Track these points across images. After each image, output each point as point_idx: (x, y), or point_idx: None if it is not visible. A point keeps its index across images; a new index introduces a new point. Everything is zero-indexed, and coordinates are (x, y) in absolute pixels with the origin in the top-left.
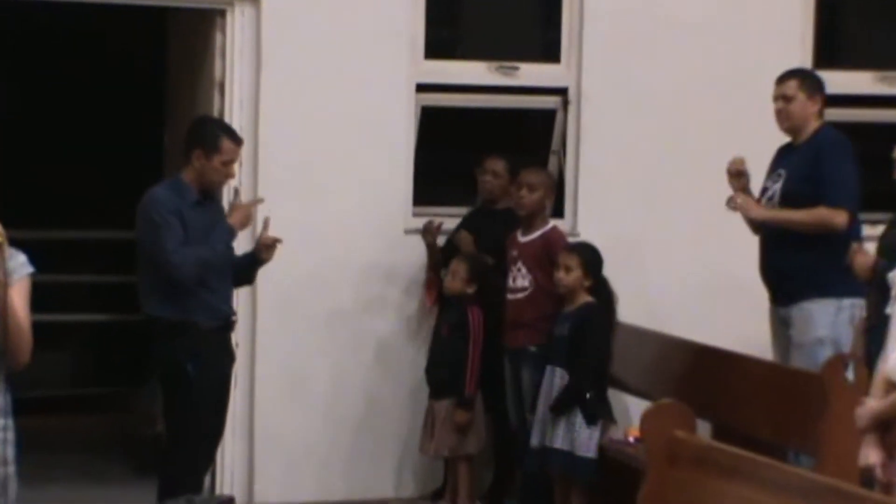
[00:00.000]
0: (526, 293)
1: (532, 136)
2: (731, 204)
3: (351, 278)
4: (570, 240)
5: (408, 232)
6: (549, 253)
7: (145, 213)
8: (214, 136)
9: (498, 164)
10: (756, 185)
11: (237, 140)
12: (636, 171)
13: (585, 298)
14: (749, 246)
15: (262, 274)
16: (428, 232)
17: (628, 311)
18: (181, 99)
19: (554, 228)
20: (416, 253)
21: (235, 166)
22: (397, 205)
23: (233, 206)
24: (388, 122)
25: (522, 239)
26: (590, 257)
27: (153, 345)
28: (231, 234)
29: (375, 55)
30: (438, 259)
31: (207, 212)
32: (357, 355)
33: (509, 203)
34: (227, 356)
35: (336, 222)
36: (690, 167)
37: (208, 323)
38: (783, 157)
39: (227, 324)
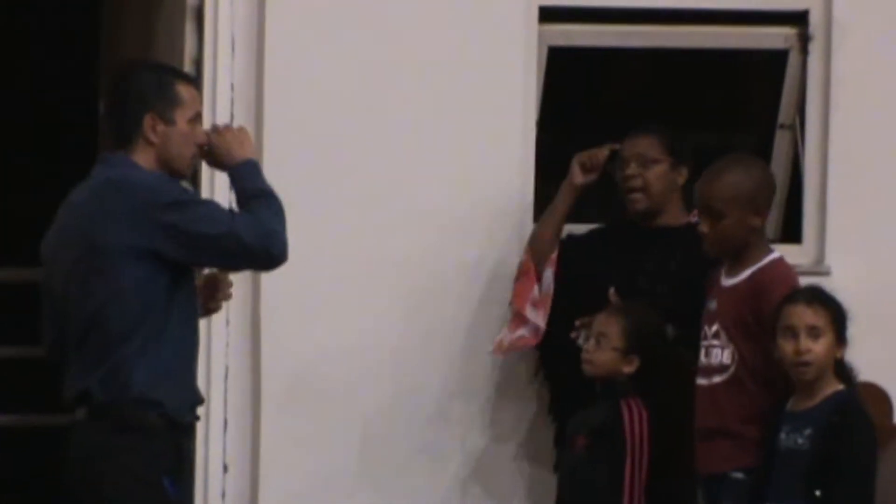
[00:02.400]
0: (725, 376)
1: (743, 100)
2: None
3: (422, 349)
4: (805, 280)
5: None
6: (758, 304)
7: (138, 202)
8: (165, 85)
9: (643, 143)
10: None
11: (194, 81)
12: None
13: (835, 386)
14: None
15: (270, 347)
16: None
17: None
18: (127, 41)
19: (774, 263)
20: None
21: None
22: (508, 218)
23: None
24: (491, 74)
25: (726, 282)
26: (840, 308)
27: (86, 456)
28: (254, 166)
29: None
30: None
31: None
32: (435, 484)
33: (684, 215)
34: (192, 473)
35: (398, 251)
36: None
37: (186, 415)
38: None
39: (195, 419)
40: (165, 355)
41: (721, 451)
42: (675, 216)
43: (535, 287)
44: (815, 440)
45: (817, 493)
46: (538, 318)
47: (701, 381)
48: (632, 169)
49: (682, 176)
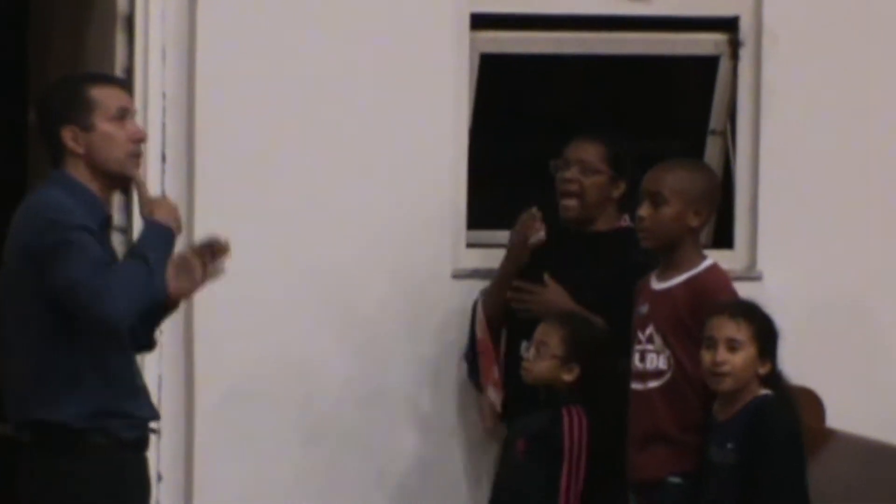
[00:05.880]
0: (662, 381)
1: (674, 106)
2: None
3: (357, 357)
4: (737, 285)
5: (458, 276)
6: (700, 310)
7: (36, 229)
8: (76, 93)
9: (589, 151)
10: None
11: (116, 81)
12: (865, 167)
13: (755, 392)
14: None
15: (204, 355)
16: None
17: (849, 417)
18: (56, 50)
19: (711, 269)
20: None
21: (139, 122)
22: (440, 230)
23: (147, 199)
24: (423, 81)
25: (657, 286)
26: (766, 324)
27: (25, 478)
28: (165, 234)
29: None
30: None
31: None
32: (371, 493)
33: (615, 221)
34: (146, 491)
35: (330, 259)
36: None
37: (128, 433)
38: None
39: (146, 436)
40: (102, 374)
41: (658, 456)
42: (606, 222)
43: (495, 368)
44: (739, 452)
45: None
46: (497, 397)
47: (636, 386)
48: (572, 173)
49: (618, 189)
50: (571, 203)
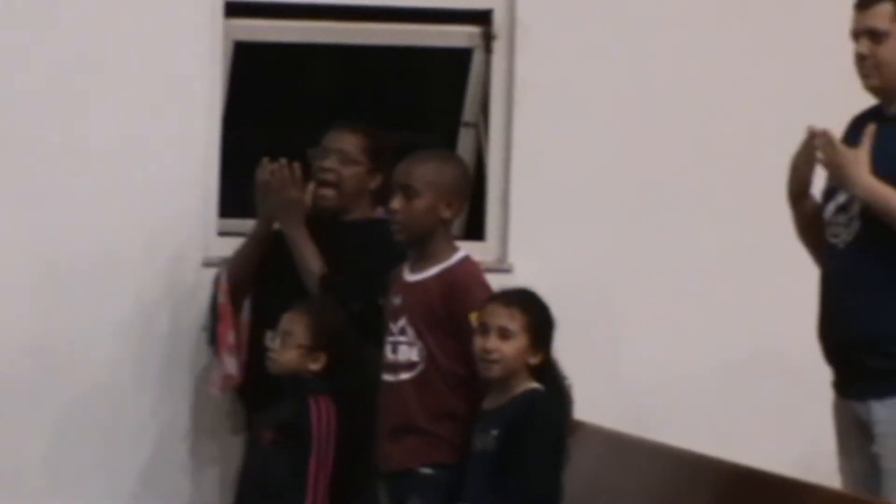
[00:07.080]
0: (413, 373)
1: (427, 98)
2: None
3: (105, 346)
4: (498, 281)
5: (209, 264)
6: (453, 302)
7: None
8: None
9: (348, 141)
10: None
11: None
12: (615, 160)
13: (528, 384)
14: (805, 298)
15: None
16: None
17: (594, 408)
18: None
19: (464, 261)
20: None
21: None
22: (191, 217)
23: None
24: (175, 70)
25: (410, 278)
26: (541, 315)
27: None
28: None
29: None
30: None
31: None
32: (110, 484)
33: (370, 212)
34: None
35: (77, 249)
36: (710, 158)
37: None
38: (863, 131)
39: None
40: None
41: (408, 447)
42: (361, 213)
43: (231, 334)
44: (501, 440)
45: None
46: (233, 365)
47: (387, 377)
48: (330, 162)
49: (375, 181)
50: (328, 192)
